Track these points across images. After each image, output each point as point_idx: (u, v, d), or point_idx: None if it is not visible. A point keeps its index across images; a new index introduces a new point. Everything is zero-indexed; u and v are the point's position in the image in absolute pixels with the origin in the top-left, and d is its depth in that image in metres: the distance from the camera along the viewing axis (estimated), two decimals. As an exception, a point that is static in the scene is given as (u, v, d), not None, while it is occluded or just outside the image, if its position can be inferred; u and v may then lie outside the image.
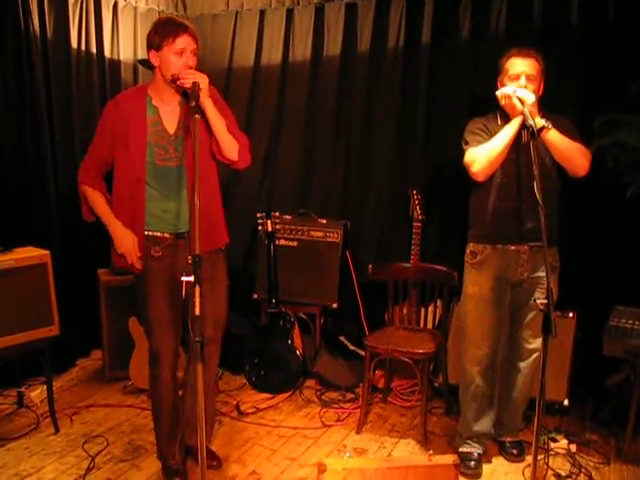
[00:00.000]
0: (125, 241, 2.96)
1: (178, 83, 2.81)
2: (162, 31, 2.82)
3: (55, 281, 3.59)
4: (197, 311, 2.20)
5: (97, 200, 3.03)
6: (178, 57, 2.80)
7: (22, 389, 4.04)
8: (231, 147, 2.95)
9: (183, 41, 2.80)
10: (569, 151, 3.10)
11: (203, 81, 2.77)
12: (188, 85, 2.76)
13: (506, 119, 3.16)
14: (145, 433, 3.70)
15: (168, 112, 2.93)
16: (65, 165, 4.47)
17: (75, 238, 4.59)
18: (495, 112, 3.26)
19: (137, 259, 2.97)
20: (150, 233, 2.99)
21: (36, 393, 4.05)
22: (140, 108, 2.92)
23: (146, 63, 4.38)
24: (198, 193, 2.34)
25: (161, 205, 2.96)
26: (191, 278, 2.24)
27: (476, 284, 3.31)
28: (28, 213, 4.26)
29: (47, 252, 3.57)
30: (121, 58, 4.84)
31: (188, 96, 2.77)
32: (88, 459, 3.42)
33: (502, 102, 3.12)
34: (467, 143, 3.26)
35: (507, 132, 3.10)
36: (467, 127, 3.33)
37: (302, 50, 4.79)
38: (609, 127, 3.52)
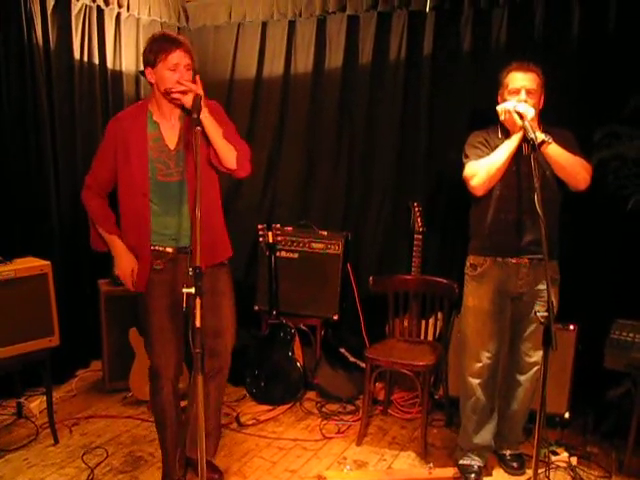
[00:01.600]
0: (123, 265, 3.01)
1: (171, 97, 2.83)
2: (155, 48, 2.83)
3: (56, 291, 3.59)
4: (197, 323, 2.20)
5: (100, 218, 3.04)
6: (172, 72, 2.81)
7: (21, 400, 4.02)
8: (229, 155, 2.94)
9: (176, 56, 2.81)
10: (570, 165, 3.10)
11: (197, 90, 2.79)
12: (184, 101, 2.80)
13: (507, 133, 3.17)
14: (145, 444, 3.70)
15: (169, 127, 2.94)
16: (67, 176, 4.48)
17: (76, 249, 4.58)
18: (496, 125, 3.26)
19: (132, 283, 3.00)
20: (153, 247, 2.99)
21: (35, 404, 4.04)
22: (141, 124, 2.92)
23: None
24: (200, 206, 2.34)
25: (162, 221, 2.96)
26: (192, 290, 2.24)
27: (476, 297, 3.31)
28: (29, 224, 4.26)
29: (48, 262, 3.58)
30: (123, 69, 4.86)
31: (187, 110, 2.78)
32: (87, 470, 3.41)
33: (502, 117, 3.12)
34: (467, 157, 3.27)
35: (507, 147, 3.10)
36: (468, 140, 3.33)
37: (304, 62, 4.81)
38: (609, 140, 3.53)
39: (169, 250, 2.99)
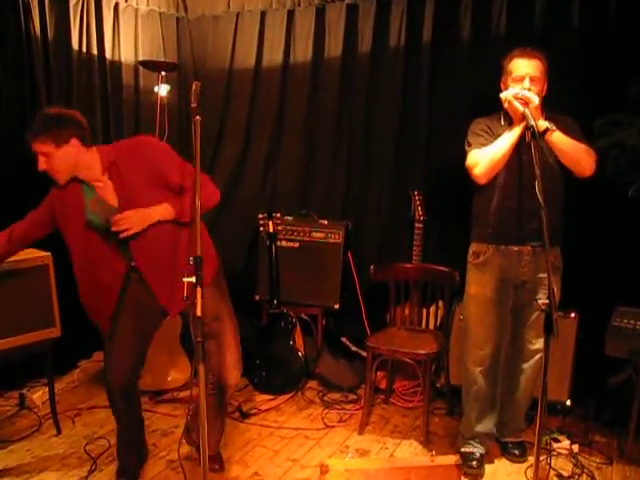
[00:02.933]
0: None
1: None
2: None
3: (56, 282, 3.59)
4: (198, 312, 2.20)
5: None
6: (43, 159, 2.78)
7: (24, 391, 4.04)
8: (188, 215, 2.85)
9: (35, 147, 2.78)
10: (574, 152, 3.09)
11: (139, 223, 2.77)
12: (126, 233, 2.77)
13: (509, 120, 3.16)
14: (147, 434, 3.68)
15: (104, 188, 2.86)
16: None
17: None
18: (499, 113, 3.25)
19: None
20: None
21: (38, 395, 4.05)
22: (77, 194, 2.88)
23: (147, 64, 4.39)
24: (200, 195, 2.33)
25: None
26: (192, 279, 2.24)
27: (479, 284, 3.30)
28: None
29: (48, 254, 3.57)
30: (122, 59, 4.83)
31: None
32: (90, 461, 3.42)
33: (505, 105, 3.10)
34: (470, 145, 3.26)
35: (510, 136, 3.09)
36: (470, 128, 3.32)
37: (303, 51, 4.79)
38: (609, 128, 3.52)
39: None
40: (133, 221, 2.76)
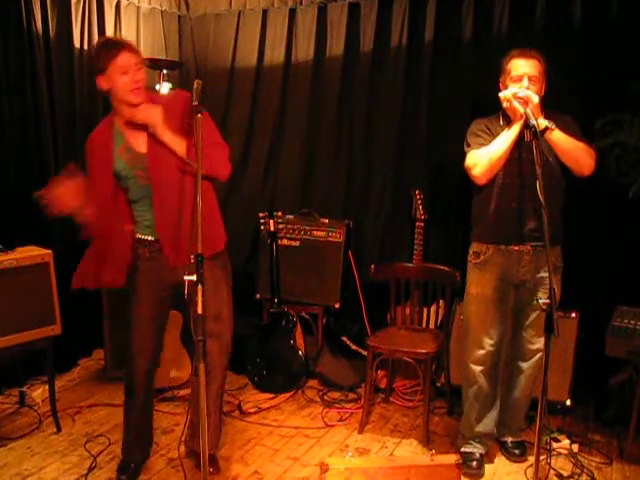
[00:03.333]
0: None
1: (134, 121, 2.83)
2: (101, 54, 2.80)
3: (57, 280, 3.59)
4: (200, 310, 2.20)
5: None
6: (123, 75, 2.77)
7: (24, 389, 4.03)
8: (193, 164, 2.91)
9: (124, 58, 2.77)
10: (574, 151, 3.09)
11: (156, 116, 2.79)
12: (144, 122, 2.81)
13: (508, 120, 3.16)
14: (147, 432, 3.71)
15: (134, 135, 2.90)
16: (67, 163, 4.45)
17: (77, 237, 4.57)
18: (498, 113, 3.25)
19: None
20: (138, 236, 3.01)
21: (38, 392, 4.05)
22: (107, 142, 2.91)
23: (149, 62, 4.38)
24: (201, 192, 2.34)
25: (141, 214, 2.99)
26: (193, 277, 2.24)
27: (479, 284, 3.30)
28: (30, 212, 4.24)
29: (49, 251, 3.58)
30: (124, 58, 4.83)
31: None
32: (90, 458, 3.42)
33: (504, 104, 3.10)
34: (469, 145, 3.26)
35: (508, 135, 3.09)
36: (469, 128, 3.32)
37: (305, 50, 4.80)
38: (611, 127, 3.52)
39: (151, 238, 2.98)
40: (152, 111, 2.79)
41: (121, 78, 2.77)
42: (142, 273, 3.02)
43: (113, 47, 2.79)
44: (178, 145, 2.84)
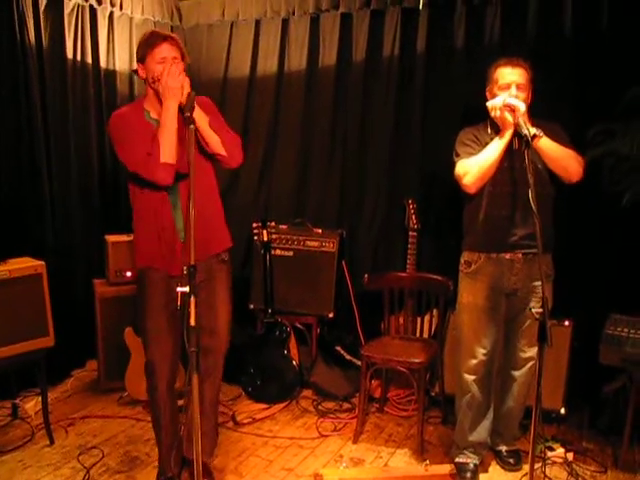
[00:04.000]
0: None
1: (158, 84, 2.83)
2: (144, 44, 2.89)
3: (50, 292, 3.58)
4: (192, 321, 2.20)
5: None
6: (160, 65, 2.83)
7: (16, 401, 4.01)
8: (215, 141, 2.94)
9: (163, 50, 2.84)
10: (562, 158, 3.10)
11: (184, 81, 2.79)
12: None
13: (496, 129, 3.17)
14: (141, 444, 3.69)
15: None
16: (60, 175, 4.47)
17: (70, 248, 4.58)
18: (485, 122, 3.27)
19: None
20: None
21: (31, 405, 4.03)
22: (144, 121, 2.92)
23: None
24: (194, 202, 2.33)
25: (175, 213, 2.95)
26: (186, 289, 2.24)
27: (471, 293, 3.31)
28: (23, 224, 4.25)
29: (42, 263, 3.57)
30: (117, 68, 4.84)
31: (181, 108, 2.76)
32: (83, 471, 3.40)
33: (492, 113, 3.12)
34: (458, 155, 3.27)
35: (498, 144, 3.10)
36: (458, 138, 3.32)
37: (297, 60, 4.81)
38: (603, 136, 3.54)
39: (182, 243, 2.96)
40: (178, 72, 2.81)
41: (157, 67, 2.83)
42: (152, 283, 2.99)
43: (155, 38, 2.87)
44: (202, 117, 2.86)
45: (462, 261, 3.36)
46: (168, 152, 2.79)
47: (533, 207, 2.57)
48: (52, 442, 3.69)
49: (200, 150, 2.93)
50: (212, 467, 3.34)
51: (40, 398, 3.76)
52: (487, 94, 3.24)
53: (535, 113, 3.15)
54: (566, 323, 3.86)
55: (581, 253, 3.83)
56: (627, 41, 3.74)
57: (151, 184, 2.85)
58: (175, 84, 2.77)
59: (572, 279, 3.53)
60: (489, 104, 3.13)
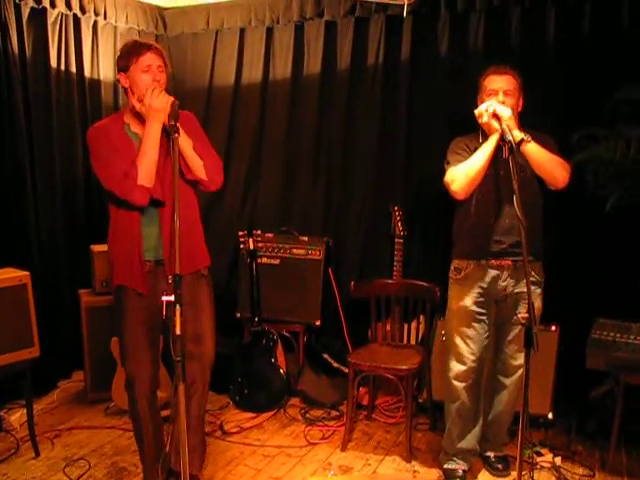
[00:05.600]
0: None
1: (141, 105, 2.81)
2: (127, 52, 2.86)
3: (35, 302, 3.55)
4: (178, 330, 2.19)
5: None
6: (145, 74, 2.82)
7: (1, 413, 3.98)
8: (198, 166, 2.93)
9: (148, 58, 2.83)
10: (548, 163, 3.13)
11: (168, 103, 2.76)
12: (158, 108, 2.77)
13: (486, 137, 3.19)
14: (128, 455, 3.66)
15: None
16: (45, 186, 4.44)
17: (56, 259, 4.55)
18: (477, 131, 3.29)
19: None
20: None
21: (16, 417, 3.99)
22: (123, 136, 2.90)
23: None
24: (178, 213, 2.32)
25: (145, 230, 2.93)
26: (171, 298, 2.23)
27: (461, 300, 3.31)
28: (8, 234, 4.22)
29: (27, 273, 3.53)
30: (101, 77, 4.83)
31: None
32: (69, 483, 3.38)
33: (479, 120, 3.14)
34: (448, 162, 3.30)
35: (484, 150, 3.13)
36: (449, 147, 3.36)
37: (282, 68, 4.81)
38: (587, 142, 3.57)
39: (152, 259, 2.95)
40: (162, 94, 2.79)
41: (142, 76, 2.82)
42: (131, 299, 2.96)
43: (139, 46, 2.86)
44: (186, 139, 2.85)
45: (452, 268, 3.37)
46: (146, 175, 2.78)
47: (519, 214, 2.58)
48: (38, 454, 3.65)
49: (181, 175, 2.89)
50: (201, 477, 3.32)
51: (25, 410, 3.71)
52: (478, 102, 3.27)
53: (522, 120, 3.17)
54: (552, 328, 3.87)
55: (567, 258, 3.85)
56: (609, 47, 3.79)
57: (126, 203, 2.84)
58: (159, 105, 2.74)
59: (557, 284, 3.54)
60: (476, 111, 3.16)
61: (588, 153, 3.54)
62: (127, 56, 2.85)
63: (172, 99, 2.77)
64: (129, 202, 2.81)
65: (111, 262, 3.05)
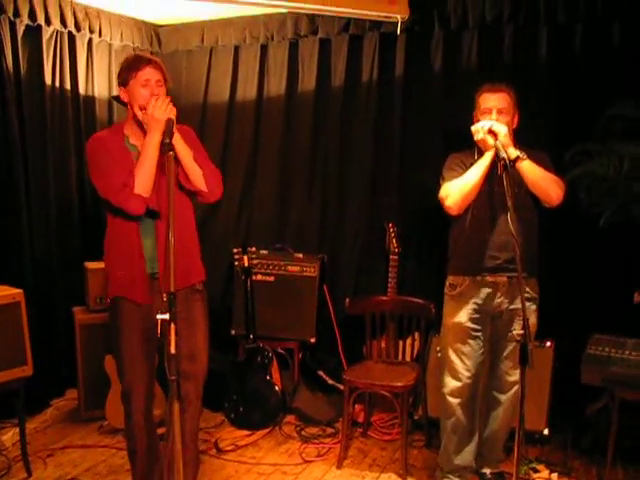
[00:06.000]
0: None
1: (143, 114, 2.82)
2: (127, 67, 2.88)
3: (29, 320, 3.53)
4: (172, 349, 2.18)
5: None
6: (144, 89, 2.83)
7: (-6, 432, 3.95)
8: (198, 176, 2.93)
9: (147, 73, 2.84)
10: (543, 180, 3.14)
11: (171, 112, 2.77)
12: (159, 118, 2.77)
13: (481, 153, 3.21)
14: (122, 474, 3.63)
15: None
16: (39, 203, 4.43)
17: (49, 276, 4.53)
18: (472, 148, 3.30)
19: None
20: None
21: (8, 436, 3.96)
22: (122, 147, 2.91)
23: (120, 99, 4.40)
24: (173, 230, 2.31)
25: (142, 242, 2.92)
26: (166, 316, 2.22)
27: (456, 316, 3.31)
28: (1, 251, 4.20)
29: (20, 291, 3.52)
30: (96, 94, 4.83)
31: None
32: (62, 503, 3.35)
33: (475, 137, 3.16)
34: (444, 178, 3.31)
35: (479, 166, 3.14)
36: (445, 163, 3.38)
37: (277, 85, 4.83)
38: (580, 158, 3.59)
39: (148, 272, 2.95)
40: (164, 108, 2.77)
41: (141, 90, 2.83)
42: (126, 313, 2.96)
43: (139, 61, 2.87)
44: (186, 150, 2.87)
45: (447, 284, 3.37)
46: (143, 184, 2.78)
47: (512, 230, 2.58)
48: (30, 474, 3.60)
49: (180, 186, 2.91)
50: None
51: (18, 429, 3.68)
52: (474, 119, 3.29)
53: (518, 137, 3.19)
54: (548, 344, 3.87)
55: (561, 274, 3.85)
56: (601, 65, 3.82)
57: (122, 212, 2.84)
58: (161, 116, 2.74)
59: (552, 300, 3.54)
60: (472, 128, 3.18)
61: (582, 169, 3.57)
62: (127, 71, 2.87)
63: (174, 110, 2.78)
64: (125, 211, 2.81)
65: (107, 274, 3.04)
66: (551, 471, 3.56)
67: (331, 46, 4.63)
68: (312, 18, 4.59)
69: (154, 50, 5.20)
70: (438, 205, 3.29)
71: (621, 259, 3.77)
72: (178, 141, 2.82)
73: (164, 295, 2.27)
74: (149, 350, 2.99)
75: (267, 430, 4.23)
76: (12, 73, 4.21)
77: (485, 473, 3.52)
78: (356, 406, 4.17)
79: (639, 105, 3.53)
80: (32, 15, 4.25)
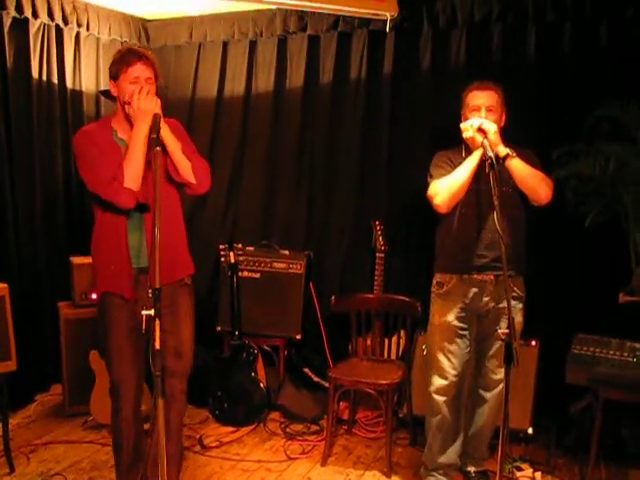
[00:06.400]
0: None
1: (128, 107, 2.81)
2: (119, 60, 2.86)
3: (13, 314, 3.51)
4: (157, 345, 2.17)
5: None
6: (132, 84, 2.81)
7: (-24, 427, 3.92)
8: (187, 168, 2.92)
9: (137, 69, 2.82)
10: (532, 178, 3.15)
11: (156, 105, 2.77)
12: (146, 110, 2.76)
13: (469, 151, 3.21)
14: (106, 470, 3.61)
15: None
16: (24, 197, 4.41)
17: (35, 271, 4.51)
18: (460, 145, 3.31)
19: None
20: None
21: (-10, 431, 3.94)
22: (110, 141, 2.89)
23: (107, 94, 4.38)
24: (159, 225, 2.30)
25: (130, 236, 2.91)
26: (151, 312, 2.21)
27: (443, 314, 3.31)
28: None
29: (5, 285, 3.50)
30: (83, 89, 4.80)
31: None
32: (45, 499, 3.33)
33: (465, 135, 3.16)
34: (432, 176, 3.31)
35: (468, 165, 3.15)
36: (432, 161, 3.37)
37: (265, 81, 4.82)
38: (567, 158, 3.61)
39: (135, 267, 2.93)
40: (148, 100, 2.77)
41: (129, 87, 2.80)
42: (114, 308, 2.94)
43: (130, 55, 2.84)
44: (174, 142, 2.85)
45: (434, 282, 3.38)
46: (132, 177, 2.76)
47: (498, 229, 2.59)
48: (12, 470, 3.58)
49: (168, 178, 2.91)
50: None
51: (1, 424, 3.65)
52: (462, 117, 3.29)
53: (506, 135, 3.20)
54: (532, 343, 3.88)
55: (547, 273, 3.87)
56: (589, 65, 3.84)
57: (112, 206, 2.82)
58: (147, 106, 2.74)
59: (538, 299, 3.56)
60: (462, 125, 3.18)
61: (568, 169, 3.59)
62: (118, 64, 2.85)
63: (159, 102, 2.77)
64: (115, 204, 2.79)
65: (95, 269, 3.02)
66: (535, 470, 3.57)
67: (320, 43, 4.62)
68: (301, 15, 4.58)
69: (142, 45, 5.17)
70: (425, 203, 3.29)
71: (607, 259, 3.78)
72: (167, 134, 2.81)
73: (149, 291, 2.26)
74: (138, 345, 2.97)
75: (252, 427, 4.22)
76: (-2, 66, 4.19)
77: (469, 471, 3.53)
78: (341, 403, 4.17)
79: (625, 107, 3.56)
80: (19, 8, 4.22)
